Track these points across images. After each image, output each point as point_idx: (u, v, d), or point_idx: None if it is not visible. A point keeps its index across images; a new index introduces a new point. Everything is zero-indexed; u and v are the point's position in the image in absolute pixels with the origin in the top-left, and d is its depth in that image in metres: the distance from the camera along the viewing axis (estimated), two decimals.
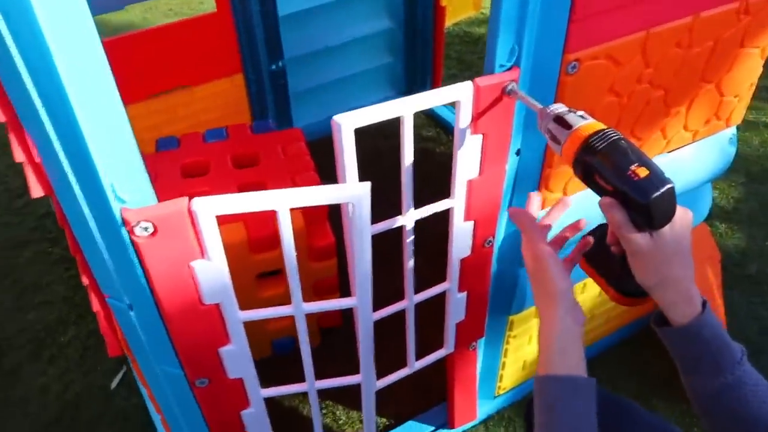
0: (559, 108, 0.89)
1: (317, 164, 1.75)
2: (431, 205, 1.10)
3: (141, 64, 2.01)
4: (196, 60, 2.10)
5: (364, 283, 0.97)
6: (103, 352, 1.95)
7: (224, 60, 2.16)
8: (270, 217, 1.57)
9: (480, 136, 1.05)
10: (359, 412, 1.80)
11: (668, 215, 0.78)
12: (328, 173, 1.78)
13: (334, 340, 1.88)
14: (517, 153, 1.17)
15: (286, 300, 1.69)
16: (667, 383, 1.85)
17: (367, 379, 1.17)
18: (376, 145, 2.47)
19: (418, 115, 2.76)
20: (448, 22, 2.55)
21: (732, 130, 1.51)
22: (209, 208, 0.80)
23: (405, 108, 0.95)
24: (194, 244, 0.85)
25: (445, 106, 2.76)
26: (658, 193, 0.75)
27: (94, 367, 1.93)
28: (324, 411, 1.79)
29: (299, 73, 2.40)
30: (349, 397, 1.79)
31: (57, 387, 1.88)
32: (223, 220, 1.50)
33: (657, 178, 0.76)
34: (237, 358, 1.02)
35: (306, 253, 1.61)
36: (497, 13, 0.95)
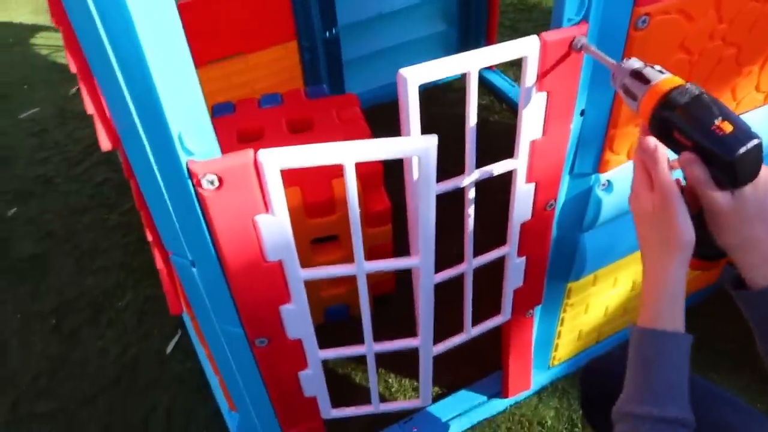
0: (635, 63, 0.85)
1: (371, 131, 1.74)
2: (494, 165, 1.07)
3: (196, 31, 1.98)
4: (251, 27, 2.10)
5: (427, 242, 0.96)
6: (160, 317, 1.99)
7: (278, 27, 2.15)
8: (326, 182, 1.57)
9: (545, 94, 1.02)
10: (411, 379, 1.79)
11: (753, 173, 0.73)
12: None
13: (387, 309, 1.87)
14: (582, 113, 1.13)
15: (341, 263, 1.70)
16: (731, 357, 1.80)
17: (426, 343, 1.16)
18: (429, 111, 2.44)
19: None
20: None
21: None
22: (275, 160, 0.80)
23: (471, 63, 0.92)
24: (259, 197, 0.84)
25: (497, 73, 2.71)
26: (744, 149, 0.71)
27: (151, 331, 1.97)
28: (380, 370, 1.79)
29: (352, 41, 2.38)
30: (402, 365, 1.79)
31: (115, 350, 1.93)
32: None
33: (743, 133, 0.72)
34: (297, 318, 1.02)
35: (362, 219, 1.60)
36: None
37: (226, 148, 1.63)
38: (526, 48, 0.94)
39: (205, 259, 0.92)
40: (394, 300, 1.90)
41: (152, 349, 1.93)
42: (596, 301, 1.62)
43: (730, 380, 1.75)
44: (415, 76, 0.87)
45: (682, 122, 0.75)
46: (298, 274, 0.95)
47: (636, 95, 0.82)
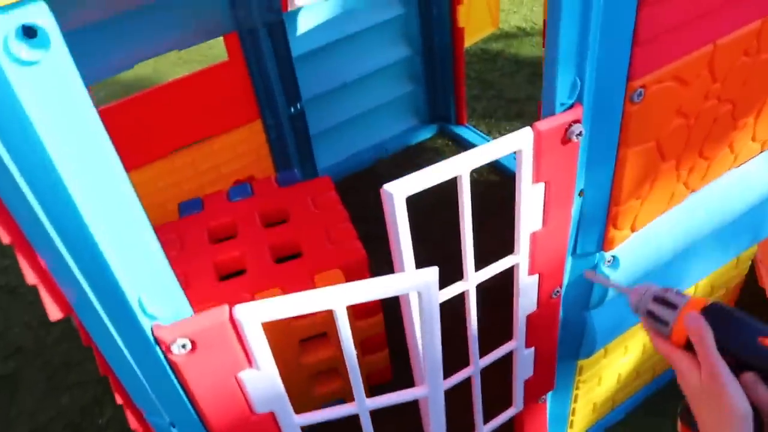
0: (652, 287, 0.86)
1: (345, 205, 1.64)
2: (494, 264, 0.98)
3: (157, 120, 1.93)
4: (213, 111, 2.02)
5: (434, 372, 0.85)
6: None
7: (241, 108, 2.07)
8: (308, 279, 1.47)
9: (542, 185, 0.93)
10: None
11: None
12: (358, 214, 1.68)
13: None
14: (580, 194, 1.04)
15: (332, 364, 1.60)
16: None
17: None
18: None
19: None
20: (467, 42, 2.44)
21: None
22: (255, 315, 0.69)
23: (461, 166, 0.83)
24: (240, 354, 0.73)
25: (470, 128, 2.64)
26: None
27: None
28: None
29: (319, 113, 2.31)
30: None
31: None
32: (262, 286, 1.39)
33: None
34: None
35: (351, 312, 1.50)
36: (554, 45, 0.84)
37: (197, 251, 1.54)
38: (520, 141, 0.86)
39: (186, 419, 0.80)
40: (391, 387, 1.78)
41: None
42: (608, 372, 1.53)
43: None
44: (402, 190, 0.78)
45: (724, 341, 0.75)
46: (293, 422, 0.84)
47: (667, 321, 0.81)
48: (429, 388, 0.88)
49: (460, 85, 2.56)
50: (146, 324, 0.68)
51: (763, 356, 0.73)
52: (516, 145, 0.86)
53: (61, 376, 2.03)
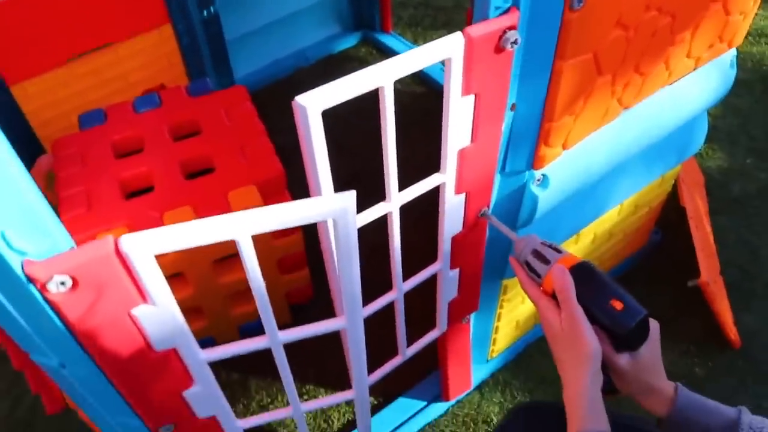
0: (534, 241, 0.94)
1: (263, 118, 1.53)
2: (418, 184, 0.91)
3: (53, 24, 1.72)
4: (116, 13, 1.82)
5: (353, 304, 0.78)
6: None
7: (148, 10, 1.88)
8: (221, 197, 1.37)
9: (472, 97, 0.86)
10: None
11: (643, 338, 0.85)
12: (276, 127, 1.57)
13: (307, 317, 1.70)
14: (512, 108, 0.98)
15: (196, 302, 1.49)
16: (664, 322, 1.73)
17: (361, 394, 1.00)
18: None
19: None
20: None
21: (732, 52, 1.35)
22: (144, 247, 0.60)
23: (384, 77, 0.74)
24: (131, 289, 0.64)
25: (395, 36, 2.52)
26: (635, 323, 0.83)
27: None
28: (305, 397, 1.63)
29: (235, 17, 2.13)
30: (334, 377, 1.64)
31: (4, 405, 1.67)
32: (171, 205, 1.28)
33: (633, 309, 0.85)
34: (205, 398, 0.84)
35: (210, 255, 1.40)
36: None
37: (100, 166, 1.41)
38: (449, 49, 0.77)
39: (77, 359, 0.72)
40: (312, 308, 1.74)
41: None
42: None
43: (669, 346, 1.70)
44: (316, 104, 0.69)
45: (582, 299, 0.85)
46: (199, 358, 0.76)
47: (539, 273, 0.91)
48: (347, 320, 0.82)
49: None
50: (15, 260, 0.58)
51: (609, 315, 0.84)
52: (444, 52, 0.78)
53: None
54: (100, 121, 1.53)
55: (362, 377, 0.95)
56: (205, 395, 0.83)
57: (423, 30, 2.60)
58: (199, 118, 1.50)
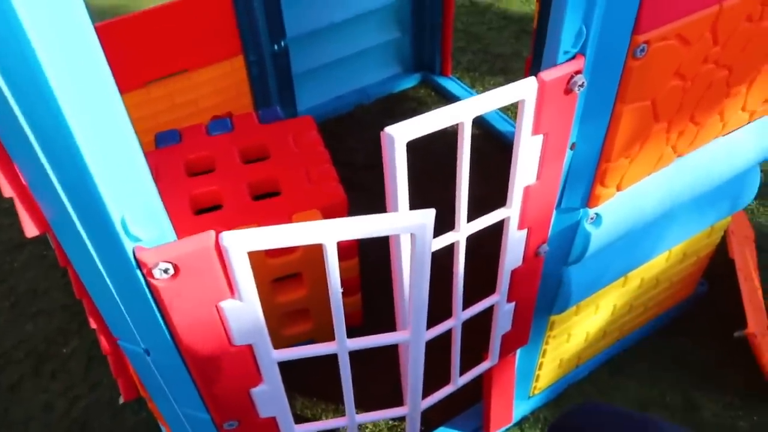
0: None
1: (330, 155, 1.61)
2: (486, 216, 0.97)
3: (134, 49, 1.86)
4: (194, 43, 1.95)
5: (419, 317, 0.84)
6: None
7: (223, 42, 2.00)
8: (286, 218, 1.44)
9: (540, 137, 0.92)
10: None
11: None
12: (335, 159, 1.65)
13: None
14: (572, 147, 1.03)
15: (304, 305, 1.59)
16: (708, 374, 1.75)
17: (414, 411, 1.05)
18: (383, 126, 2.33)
19: (440, 100, 2.61)
20: None
21: None
22: (241, 243, 0.67)
23: (463, 113, 0.81)
24: (222, 282, 0.71)
25: (453, 80, 2.60)
26: None
27: (100, 379, 1.81)
28: None
29: (302, 53, 2.25)
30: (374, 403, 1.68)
31: (61, 404, 1.76)
32: (238, 223, 1.37)
33: None
34: (270, 398, 0.90)
35: None
36: None
37: (173, 183, 1.50)
38: (524, 91, 0.83)
39: (162, 347, 0.79)
40: (362, 333, 1.79)
41: (103, 400, 1.77)
42: (578, 330, 1.55)
43: (712, 398, 1.70)
44: (403, 134, 0.75)
45: None
46: (271, 357, 0.83)
47: None
48: (412, 334, 0.87)
49: (447, 35, 2.52)
50: (128, 245, 0.65)
51: None
52: (520, 94, 0.84)
53: (25, 304, 1.99)
54: (175, 140, 1.63)
55: (417, 393, 1.00)
56: (270, 395, 0.89)
57: (480, 75, 2.69)
58: (268, 144, 1.59)
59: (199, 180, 1.53)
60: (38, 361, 1.85)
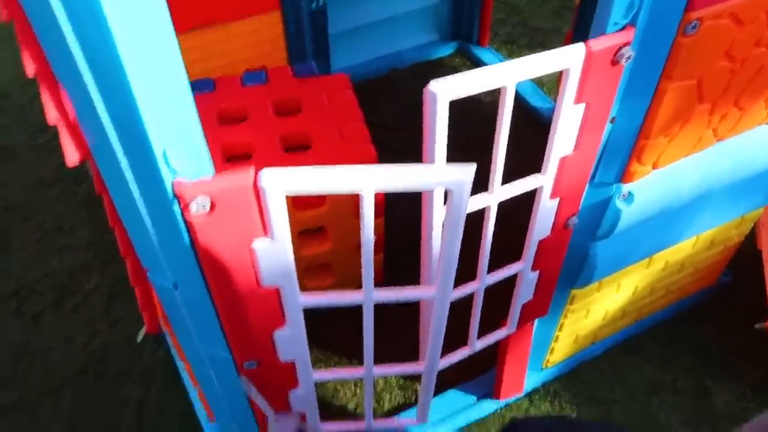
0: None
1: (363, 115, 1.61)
2: (520, 181, 0.96)
3: None
4: None
5: (447, 275, 0.84)
6: (130, 302, 1.86)
7: None
8: None
9: (582, 106, 0.91)
10: (396, 377, 1.70)
11: None
12: (368, 119, 1.64)
13: None
14: (612, 120, 1.02)
15: (327, 259, 1.60)
16: (723, 363, 1.75)
17: (431, 369, 1.06)
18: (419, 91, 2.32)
19: (466, 62, 2.59)
20: None
21: None
22: (280, 184, 0.67)
23: (508, 76, 0.80)
24: (257, 222, 0.72)
25: (493, 52, 2.57)
26: None
27: (120, 317, 1.84)
28: None
29: (340, 13, 2.23)
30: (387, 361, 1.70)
31: (81, 337, 1.80)
32: None
33: None
34: (292, 342, 0.91)
35: (353, 211, 1.49)
36: None
37: (204, 130, 1.51)
38: (570, 58, 0.82)
39: (190, 282, 0.80)
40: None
41: (122, 337, 1.80)
42: (597, 306, 1.54)
43: (725, 387, 1.70)
44: (447, 92, 0.75)
45: None
46: (298, 301, 0.84)
47: None
48: (438, 290, 0.88)
49: (487, 5, 2.48)
50: (167, 178, 0.66)
51: None
52: (565, 62, 0.83)
53: (51, 239, 2.03)
54: (209, 89, 1.63)
55: (436, 350, 1.01)
56: (292, 339, 0.90)
57: (518, 48, 2.65)
58: (302, 98, 1.59)
59: (231, 129, 1.53)
60: (61, 295, 1.89)
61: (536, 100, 2.34)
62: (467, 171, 0.69)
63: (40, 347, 1.78)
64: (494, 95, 2.36)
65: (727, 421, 1.64)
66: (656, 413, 1.66)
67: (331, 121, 1.53)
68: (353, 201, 1.46)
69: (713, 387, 1.70)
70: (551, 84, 2.46)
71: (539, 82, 2.47)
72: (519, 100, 2.37)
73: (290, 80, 1.66)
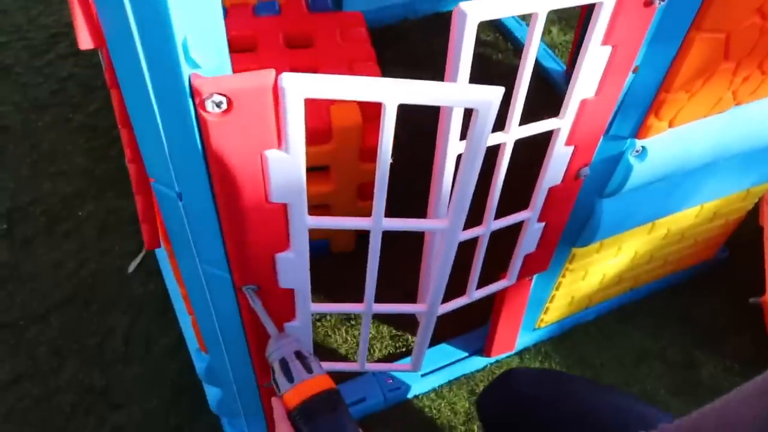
0: (289, 347, 0.84)
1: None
2: (537, 123, 0.94)
3: None
4: None
5: (461, 204, 0.82)
6: (122, 232, 1.84)
7: None
8: (324, 107, 1.42)
9: (609, 48, 0.88)
10: (389, 326, 1.69)
11: None
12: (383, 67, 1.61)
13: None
14: (635, 70, 0.99)
15: (327, 200, 1.58)
16: (713, 336, 1.75)
17: (432, 310, 1.04)
18: (430, 42, 2.27)
19: None
20: None
21: None
22: (301, 87, 0.64)
23: (540, 3, 0.77)
24: (272, 129, 0.69)
25: None
26: None
27: (112, 247, 1.82)
28: (352, 322, 1.69)
29: None
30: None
31: (71, 264, 1.77)
32: None
33: None
34: (294, 267, 0.89)
35: (358, 152, 1.46)
36: None
37: None
38: None
39: (196, 192, 0.77)
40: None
41: (112, 266, 1.78)
42: (596, 269, 1.53)
43: (712, 360, 1.70)
44: (476, 13, 0.72)
45: None
46: (305, 221, 0.81)
47: (279, 388, 0.81)
48: (450, 223, 0.85)
49: None
50: (185, 70, 0.63)
51: None
52: None
53: (45, 163, 1.99)
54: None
55: (440, 290, 0.99)
56: (294, 264, 0.88)
57: None
58: (315, 32, 1.55)
59: (240, 57, 1.49)
60: (53, 220, 1.86)
61: (549, 62, 2.30)
62: (496, 92, 0.67)
63: (30, 271, 1.76)
64: (507, 45, 2.33)
65: (712, 393, 1.64)
66: (643, 380, 1.66)
67: (342, 57, 1.49)
68: (360, 141, 1.44)
69: (700, 358, 1.71)
70: (564, 47, 2.42)
71: (551, 44, 2.43)
72: (502, 28, 2.34)
73: (303, 14, 1.62)
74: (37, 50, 2.31)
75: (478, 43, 2.36)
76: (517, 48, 2.37)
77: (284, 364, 0.83)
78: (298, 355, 0.84)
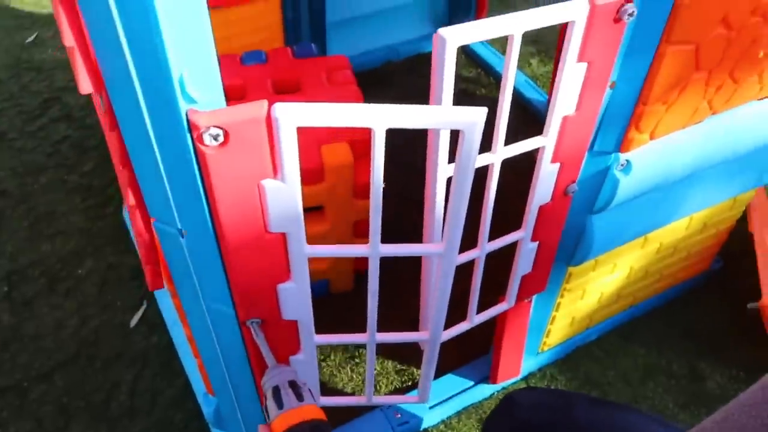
0: (282, 376, 0.85)
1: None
2: (521, 143, 0.97)
3: None
4: None
5: (455, 228, 0.84)
6: (122, 287, 1.85)
7: None
8: (315, 147, 1.45)
9: (585, 65, 0.92)
10: (393, 361, 1.70)
11: None
12: None
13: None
14: (611, 86, 1.03)
15: (325, 238, 1.60)
16: (716, 347, 1.76)
17: (435, 337, 1.05)
18: (414, 82, 2.33)
19: (458, 54, 2.60)
20: None
21: None
22: (293, 116, 0.67)
23: (515, 26, 0.81)
24: (268, 159, 0.72)
25: (485, 45, 2.59)
26: None
27: (113, 302, 1.83)
28: (357, 360, 1.69)
29: (338, 2, 2.24)
30: (384, 346, 1.69)
31: (73, 322, 1.78)
32: None
33: None
34: (296, 298, 0.91)
35: (351, 190, 1.49)
36: None
37: None
38: (574, 12, 0.84)
39: (198, 227, 0.80)
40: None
41: (114, 322, 1.79)
42: (593, 287, 1.55)
43: (717, 370, 1.71)
44: (456, 37, 0.76)
45: None
46: (304, 250, 0.83)
47: (269, 414, 0.82)
48: (445, 247, 0.88)
49: (483, 2, 2.51)
50: (182, 106, 0.66)
51: None
52: (570, 15, 0.84)
53: (43, 225, 2.01)
54: None
55: (441, 315, 1.00)
56: (296, 294, 0.90)
57: None
58: (301, 77, 1.59)
59: (230, 105, 1.53)
60: (53, 280, 1.87)
61: (530, 93, 2.36)
62: (479, 113, 0.70)
63: (32, 332, 1.76)
64: (489, 80, 2.39)
65: (721, 403, 1.64)
66: (650, 396, 1.67)
67: (329, 99, 1.53)
68: (352, 178, 1.47)
69: (706, 369, 1.71)
70: (545, 77, 2.48)
71: (533, 76, 2.49)
72: (513, 93, 2.39)
73: (289, 60, 1.67)
74: (30, 115, 2.36)
75: (461, 80, 2.44)
76: (500, 82, 2.42)
77: (276, 391, 0.83)
78: (292, 384, 0.84)
